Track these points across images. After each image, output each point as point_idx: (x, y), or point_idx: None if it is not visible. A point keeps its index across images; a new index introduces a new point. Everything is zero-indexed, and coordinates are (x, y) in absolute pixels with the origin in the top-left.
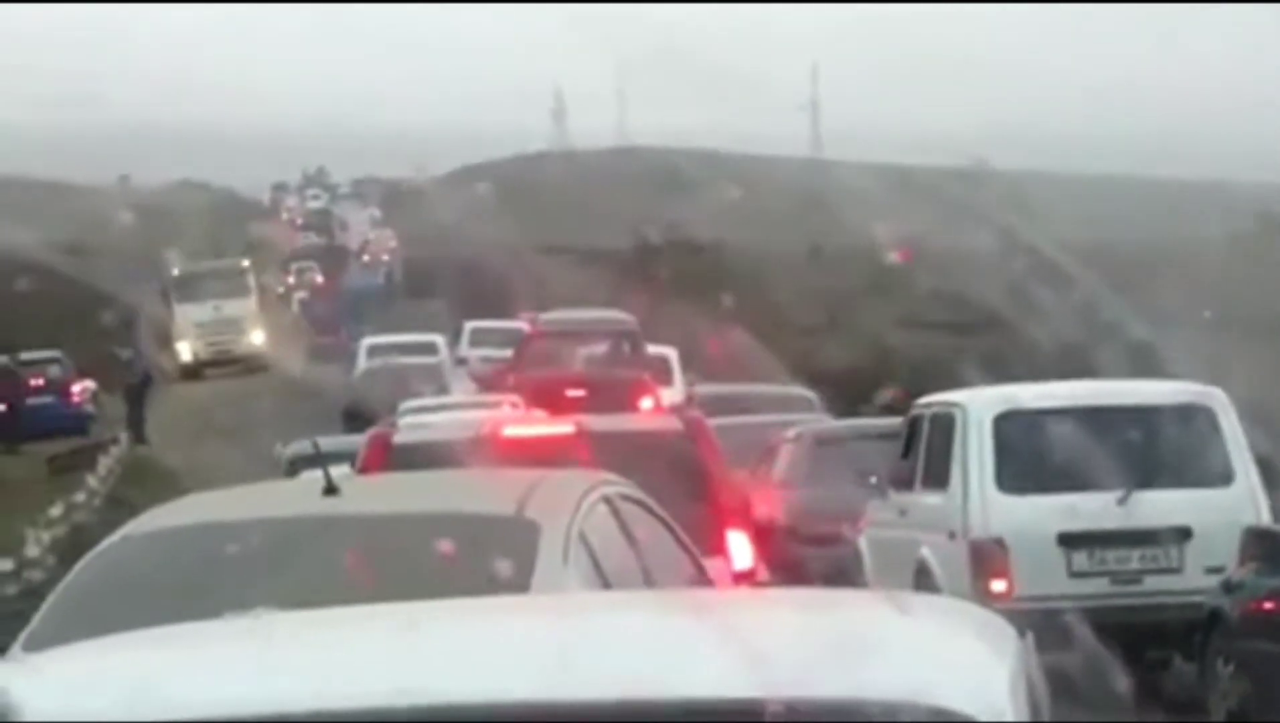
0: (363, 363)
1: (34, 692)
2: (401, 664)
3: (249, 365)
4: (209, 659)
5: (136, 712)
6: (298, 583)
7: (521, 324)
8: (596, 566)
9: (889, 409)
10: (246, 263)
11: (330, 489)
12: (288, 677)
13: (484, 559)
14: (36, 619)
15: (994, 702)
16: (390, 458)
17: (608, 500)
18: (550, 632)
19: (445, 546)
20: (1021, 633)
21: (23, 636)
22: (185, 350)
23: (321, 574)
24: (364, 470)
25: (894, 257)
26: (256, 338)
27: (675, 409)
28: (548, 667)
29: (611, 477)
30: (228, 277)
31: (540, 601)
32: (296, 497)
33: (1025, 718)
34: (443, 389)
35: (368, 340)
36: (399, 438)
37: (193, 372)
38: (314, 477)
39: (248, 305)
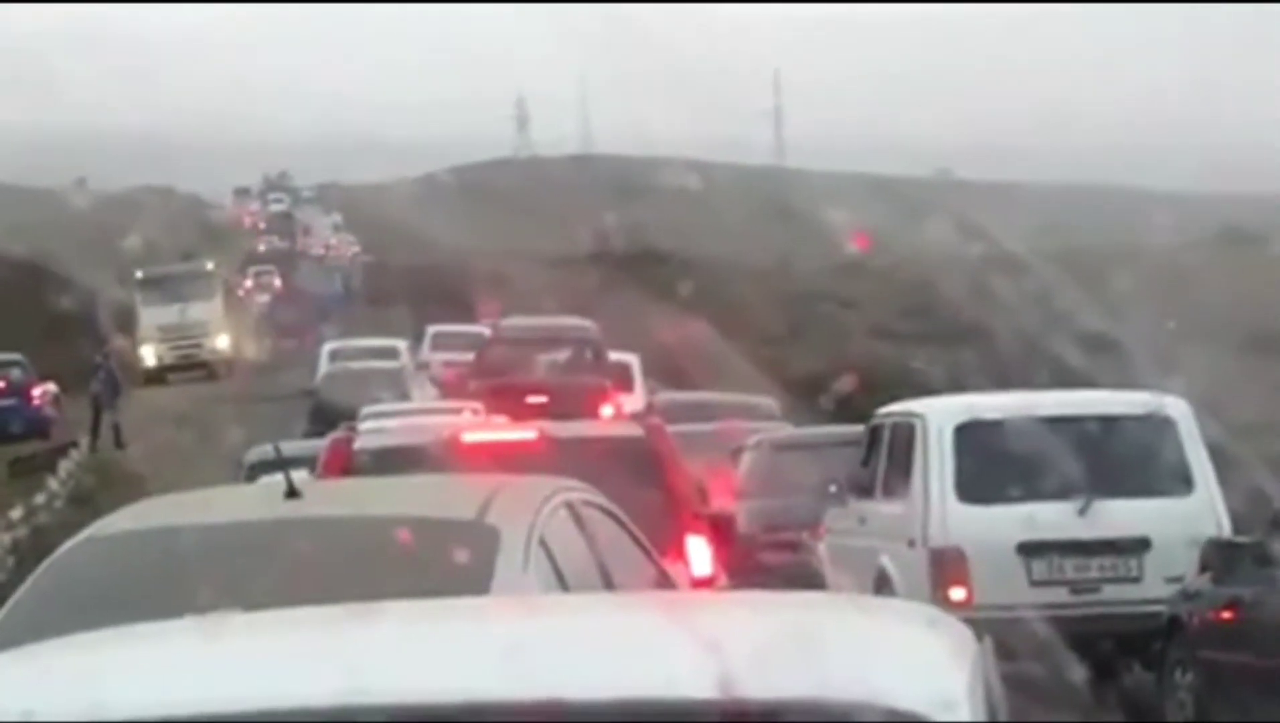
0: (324, 367)
1: None
2: (355, 663)
3: (212, 370)
4: (163, 660)
5: (91, 713)
6: (260, 586)
7: (484, 329)
8: (557, 571)
9: (846, 399)
10: (212, 265)
11: (292, 493)
12: (242, 676)
13: (444, 563)
14: None
15: (951, 704)
16: (350, 463)
17: (569, 506)
18: (507, 631)
19: (406, 549)
20: (979, 637)
21: None
22: (149, 355)
23: (283, 577)
24: (324, 475)
25: (853, 246)
26: (221, 341)
27: (636, 416)
28: (503, 666)
29: (573, 483)
30: (193, 279)
31: (498, 601)
32: (259, 500)
33: (982, 721)
34: (404, 394)
35: (330, 345)
36: (359, 443)
37: (156, 376)
38: (275, 481)
39: (213, 308)
